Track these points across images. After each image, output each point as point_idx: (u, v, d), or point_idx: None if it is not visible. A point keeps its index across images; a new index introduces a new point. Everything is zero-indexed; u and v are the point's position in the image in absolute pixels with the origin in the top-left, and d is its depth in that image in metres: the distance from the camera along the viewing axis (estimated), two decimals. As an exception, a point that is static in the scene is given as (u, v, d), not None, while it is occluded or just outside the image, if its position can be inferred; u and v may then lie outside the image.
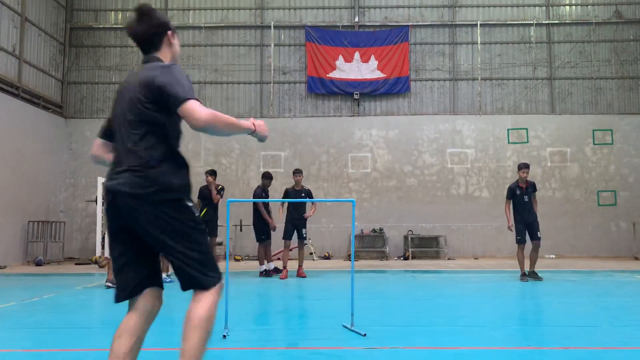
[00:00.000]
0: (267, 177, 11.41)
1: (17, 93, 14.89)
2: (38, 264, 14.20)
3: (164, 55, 2.99)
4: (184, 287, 2.84)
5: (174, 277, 10.37)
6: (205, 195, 11.29)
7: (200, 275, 2.79)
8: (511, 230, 10.21)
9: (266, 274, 10.98)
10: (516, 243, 10.13)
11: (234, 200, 5.61)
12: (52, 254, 15.61)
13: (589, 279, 10.78)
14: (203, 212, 11.33)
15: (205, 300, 2.79)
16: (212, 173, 11.45)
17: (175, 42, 3.06)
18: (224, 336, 4.99)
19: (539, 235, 10.14)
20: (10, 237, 14.17)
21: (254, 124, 2.95)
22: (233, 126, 2.83)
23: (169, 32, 3.00)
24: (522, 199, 10.12)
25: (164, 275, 10.21)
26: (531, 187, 10.21)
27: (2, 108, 14.02)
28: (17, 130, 14.53)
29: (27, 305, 7.03)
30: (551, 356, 4.47)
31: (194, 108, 2.66)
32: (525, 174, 10.11)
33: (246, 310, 6.71)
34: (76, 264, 15.03)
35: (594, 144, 17.24)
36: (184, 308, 2.80)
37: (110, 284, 9.07)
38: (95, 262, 13.96)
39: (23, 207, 14.72)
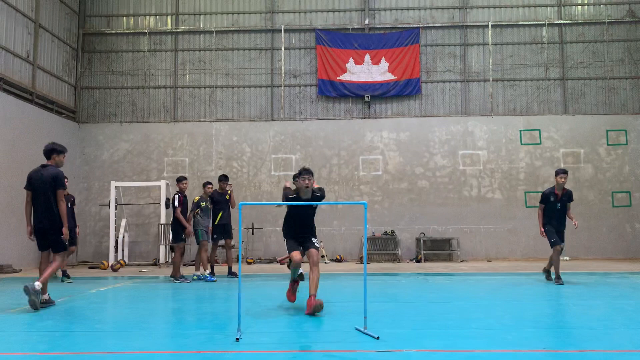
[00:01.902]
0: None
1: (31, 98, 15.07)
2: (52, 267, 14.32)
3: None
4: None
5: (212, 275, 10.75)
6: (219, 200, 11.58)
7: None
8: (543, 236, 9.96)
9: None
10: (551, 247, 9.84)
11: (247, 203, 5.62)
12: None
13: (604, 281, 10.65)
14: (219, 217, 11.53)
15: None
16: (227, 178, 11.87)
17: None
18: (237, 339, 5.00)
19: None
20: (24, 242, 14.21)
21: None
22: None
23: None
24: (554, 205, 9.86)
25: (205, 272, 10.82)
26: (566, 196, 9.89)
27: (16, 113, 14.19)
28: (31, 135, 14.68)
29: (41, 309, 7.09)
30: (566, 359, 4.42)
31: None
32: (563, 180, 9.76)
33: (258, 313, 6.71)
34: (90, 267, 15.16)
35: (607, 144, 17.08)
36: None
37: (174, 279, 10.46)
38: (110, 267, 14.05)
39: (37, 212, 14.84)
